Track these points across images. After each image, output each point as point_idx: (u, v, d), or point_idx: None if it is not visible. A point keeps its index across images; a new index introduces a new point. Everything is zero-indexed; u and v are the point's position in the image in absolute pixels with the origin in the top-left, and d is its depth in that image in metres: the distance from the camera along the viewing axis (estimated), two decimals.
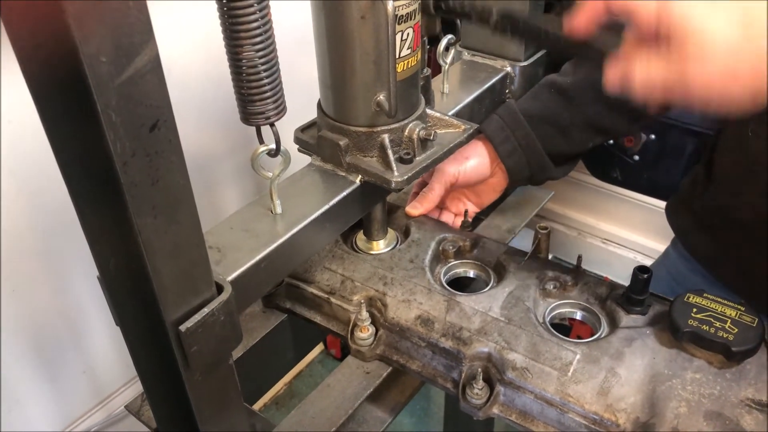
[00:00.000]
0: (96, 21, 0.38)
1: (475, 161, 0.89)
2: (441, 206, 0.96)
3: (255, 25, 0.56)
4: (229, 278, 0.62)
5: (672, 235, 1.07)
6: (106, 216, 0.50)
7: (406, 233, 0.87)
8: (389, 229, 0.88)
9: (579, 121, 0.90)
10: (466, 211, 0.94)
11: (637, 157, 1.61)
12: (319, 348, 1.99)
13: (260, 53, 0.57)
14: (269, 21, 0.57)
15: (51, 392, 1.24)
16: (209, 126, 1.27)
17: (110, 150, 0.43)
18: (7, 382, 1.16)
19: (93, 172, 0.47)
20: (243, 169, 1.38)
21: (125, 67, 0.40)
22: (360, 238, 0.87)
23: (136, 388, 1.37)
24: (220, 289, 0.57)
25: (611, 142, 1.65)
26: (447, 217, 0.97)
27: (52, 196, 1.08)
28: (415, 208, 0.88)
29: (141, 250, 0.49)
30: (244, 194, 1.42)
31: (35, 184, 1.05)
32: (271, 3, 0.57)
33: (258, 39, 0.57)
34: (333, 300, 0.79)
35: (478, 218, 1.00)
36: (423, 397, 1.95)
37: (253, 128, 0.66)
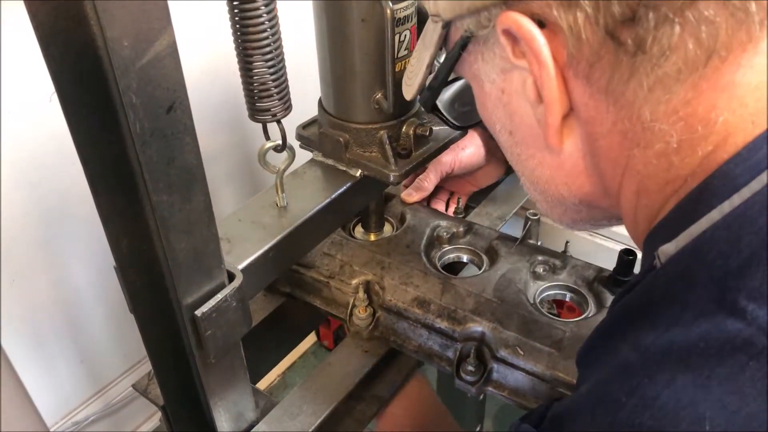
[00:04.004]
0: (119, 7, 0.41)
1: (471, 150, 0.92)
2: (439, 188, 1.00)
3: (264, 35, 0.59)
4: (240, 267, 0.64)
5: None
6: (119, 196, 0.52)
7: (401, 220, 0.90)
8: (386, 223, 0.91)
9: None
10: (459, 199, 0.97)
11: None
12: (311, 339, 2.01)
13: (269, 58, 0.61)
14: (277, 25, 0.60)
15: (49, 381, 1.26)
16: (204, 123, 1.29)
17: (130, 130, 0.45)
18: None
19: (109, 153, 0.49)
20: (238, 169, 1.40)
21: (145, 51, 0.43)
22: (358, 230, 0.90)
23: (134, 377, 1.39)
24: (231, 277, 0.60)
25: None
26: (439, 206, 1.00)
27: (51, 187, 1.09)
28: (410, 196, 0.91)
29: (153, 229, 0.52)
30: (242, 194, 1.44)
31: (34, 175, 1.07)
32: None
33: (267, 46, 0.60)
34: (332, 284, 0.82)
35: (469, 206, 1.04)
36: None
37: (249, 126, 0.68)
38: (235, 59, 0.63)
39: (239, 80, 0.65)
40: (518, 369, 0.71)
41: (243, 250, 0.66)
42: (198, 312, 0.56)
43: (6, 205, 1.05)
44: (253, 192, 1.45)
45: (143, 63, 0.43)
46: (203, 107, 1.26)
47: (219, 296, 0.57)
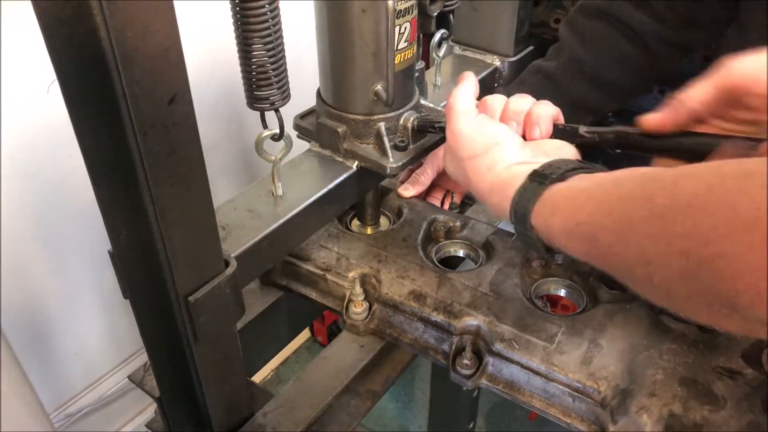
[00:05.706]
0: None
1: None
2: (435, 184, 1.00)
3: (265, 21, 0.59)
4: (234, 254, 0.65)
5: None
6: (120, 188, 0.52)
7: (398, 214, 0.91)
8: (383, 217, 0.91)
9: (565, 102, 0.93)
10: (453, 195, 0.97)
11: (618, 150, 1.67)
12: (305, 335, 2.02)
13: (269, 45, 0.61)
14: (278, 11, 0.60)
15: (43, 373, 1.25)
16: (202, 114, 1.29)
17: (131, 121, 0.45)
18: None
19: (110, 144, 0.49)
20: (235, 159, 1.40)
21: (149, 42, 0.43)
22: (354, 223, 0.91)
23: (127, 370, 1.39)
24: (225, 264, 0.60)
25: None
26: (434, 201, 1.00)
27: (49, 179, 1.09)
28: (406, 190, 0.91)
29: (153, 220, 0.52)
30: (238, 184, 1.44)
31: (32, 167, 1.07)
32: None
33: (267, 33, 0.60)
34: (329, 277, 0.82)
35: (465, 202, 1.04)
36: (407, 384, 1.99)
37: (246, 118, 0.69)
38: (234, 51, 0.63)
39: (238, 72, 0.65)
40: (513, 363, 0.72)
41: (238, 237, 0.67)
42: (191, 298, 0.56)
43: (2, 196, 1.05)
44: (249, 183, 1.45)
45: (146, 54, 0.43)
46: (201, 98, 1.25)
47: (213, 283, 0.57)
